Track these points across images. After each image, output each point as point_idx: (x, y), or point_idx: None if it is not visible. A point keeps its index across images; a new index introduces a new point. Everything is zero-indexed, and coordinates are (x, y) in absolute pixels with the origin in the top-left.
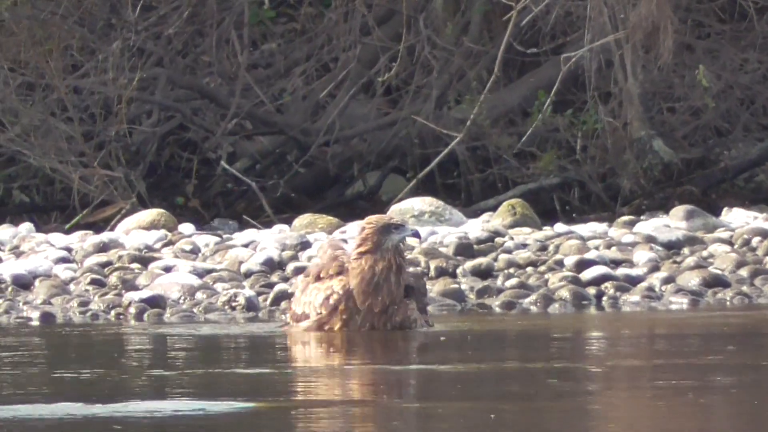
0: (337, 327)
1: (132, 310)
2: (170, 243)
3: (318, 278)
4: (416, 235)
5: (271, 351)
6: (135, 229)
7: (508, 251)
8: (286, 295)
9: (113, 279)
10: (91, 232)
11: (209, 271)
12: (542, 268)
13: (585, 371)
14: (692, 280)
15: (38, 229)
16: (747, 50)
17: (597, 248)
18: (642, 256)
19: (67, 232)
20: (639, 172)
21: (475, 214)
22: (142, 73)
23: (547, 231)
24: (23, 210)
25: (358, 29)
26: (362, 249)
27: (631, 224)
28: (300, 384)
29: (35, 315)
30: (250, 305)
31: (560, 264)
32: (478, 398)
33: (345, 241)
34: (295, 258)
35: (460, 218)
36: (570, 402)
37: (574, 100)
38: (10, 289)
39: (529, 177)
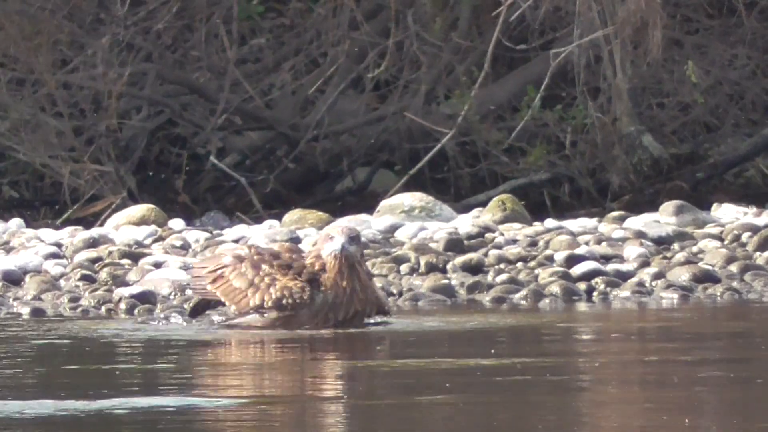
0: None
1: (122, 305)
2: (160, 239)
3: (281, 267)
4: (344, 249)
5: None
6: (125, 225)
7: (498, 247)
8: None
9: (103, 275)
10: (81, 227)
11: None
12: (532, 263)
13: (575, 366)
14: (682, 275)
15: (28, 225)
16: (736, 46)
17: (587, 244)
18: (632, 251)
19: (58, 227)
20: (628, 168)
21: (465, 210)
22: (132, 68)
23: (537, 226)
24: (12, 205)
25: (347, 24)
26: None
27: (621, 220)
28: (286, 380)
29: (25, 311)
30: None
31: (550, 259)
32: (468, 392)
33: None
34: None
35: (450, 213)
36: (561, 397)
37: (564, 96)
38: (0, 284)
39: (519, 172)
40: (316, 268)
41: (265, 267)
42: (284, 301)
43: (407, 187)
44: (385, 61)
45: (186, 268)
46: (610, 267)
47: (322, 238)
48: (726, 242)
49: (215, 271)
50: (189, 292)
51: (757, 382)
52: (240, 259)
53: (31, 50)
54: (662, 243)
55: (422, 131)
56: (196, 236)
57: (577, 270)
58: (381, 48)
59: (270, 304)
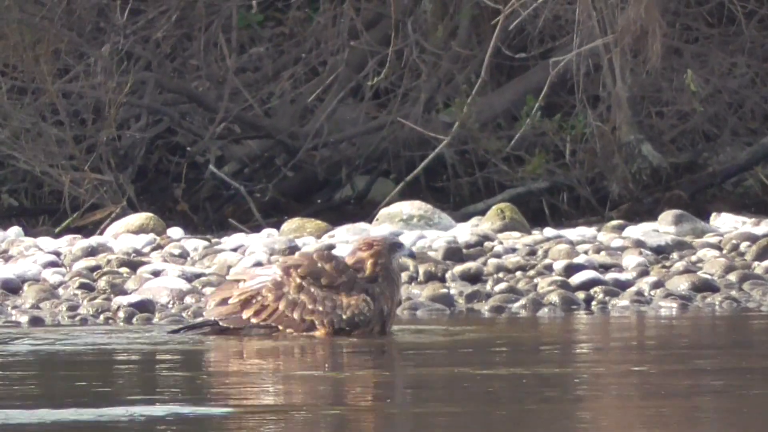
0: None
1: (121, 314)
2: (159, 247)
3: (330, 287)
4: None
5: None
6: (124, 233)
7: (497, 256)
8: None
9: (102, 283)
10: (79, 236)
11: (198, 276)
12: (531, 272)
13: (573, 376)
14: (681, 284)
15: (27, 233)
16: (735, 54)
17: (586, 253)
18: (631, 260)
19: (57, 236)
20: (627, 177)
21: (464, 218)
22: (131, 77)
23: (536, 235)
24: (12, 214)
25: (347, 33)
26: (377, 263)
27: (620, 229)
28: (277, 389)
29: (24, 319)
30: None
31: (549, 268)
32: (467, 402)
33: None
34: None
35: (449, 222)
36: (558, 407)
37: (563, 104)
38: None
39: (518, 181)
40: (367, 274)
41: (314, 290)
42: (356, 319)
43: (407, 196)
44: (384, 70)
45: (185, 277)
46: (609, 276)
47: (380, 245)
48: (725, 251)
49: (248, 300)
50: (187, 299)
51: (755, 391)
52: (279, 285)
53: (32, 59)
54: (661, 252)
55: (422, 140)
56: (194, 244)
57: (576, 279)
58: (381, 56)
59: (344, 324)
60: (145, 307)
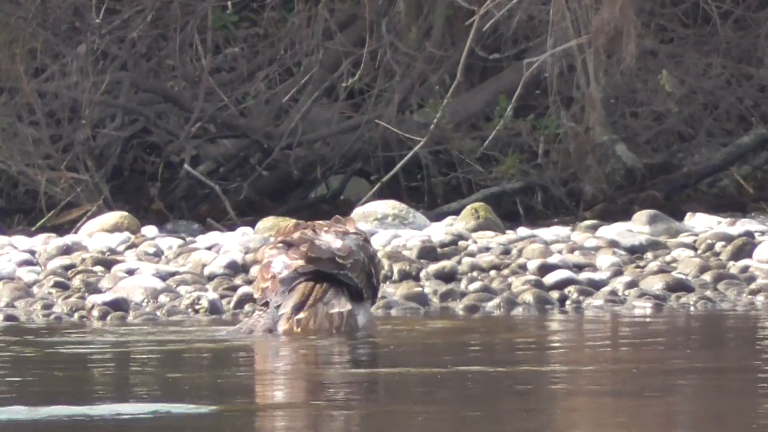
0: None
1: (95, 312)
2: (133, 246)
3: None
4: None
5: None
6: (98, 232)
7: (472, 255)
8: (249, 298)
9: (76, 282)
10: (54, 234)
11: (172, 274)
12: (505, 271)
13: (548, 374)
14: (655, 284)
15: (1, 232)
16: (710, 55)
17: (560, 252)
18: (605, 260)
19: (32, 234)
20: (601, 177)
21: (439, 218)
22: (107, 77)
23: (510, 235)
24: None
25: (321, 34)
26: None
27: (594, 228)
28: (263, 387)
29: None
30: (214, 308)
31: (523, 268)
32: (442, 402)
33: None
34: (258, 261)
35: (424, 221)
36: (533, 405)
37: (537, 105)
38: None
39: (492, 181)
40: None
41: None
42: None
43: (381, 195)
44: (359, 71)
45: (160, 275)
46: (583, 276)
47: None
48: (699, 251)
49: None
50: (161, 298)
51: (729, 391)
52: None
53: (8, 58)
54: (635, 252)
55: (396, 139)
56: (169, 243)
57: (550, 279)
58: (355, 57)
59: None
60: (119, 305)
